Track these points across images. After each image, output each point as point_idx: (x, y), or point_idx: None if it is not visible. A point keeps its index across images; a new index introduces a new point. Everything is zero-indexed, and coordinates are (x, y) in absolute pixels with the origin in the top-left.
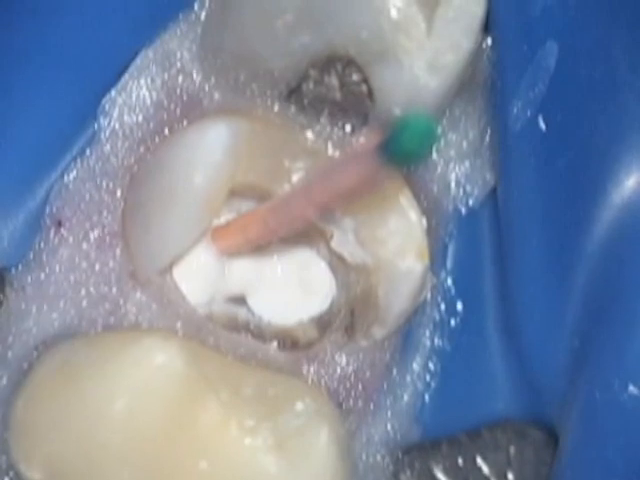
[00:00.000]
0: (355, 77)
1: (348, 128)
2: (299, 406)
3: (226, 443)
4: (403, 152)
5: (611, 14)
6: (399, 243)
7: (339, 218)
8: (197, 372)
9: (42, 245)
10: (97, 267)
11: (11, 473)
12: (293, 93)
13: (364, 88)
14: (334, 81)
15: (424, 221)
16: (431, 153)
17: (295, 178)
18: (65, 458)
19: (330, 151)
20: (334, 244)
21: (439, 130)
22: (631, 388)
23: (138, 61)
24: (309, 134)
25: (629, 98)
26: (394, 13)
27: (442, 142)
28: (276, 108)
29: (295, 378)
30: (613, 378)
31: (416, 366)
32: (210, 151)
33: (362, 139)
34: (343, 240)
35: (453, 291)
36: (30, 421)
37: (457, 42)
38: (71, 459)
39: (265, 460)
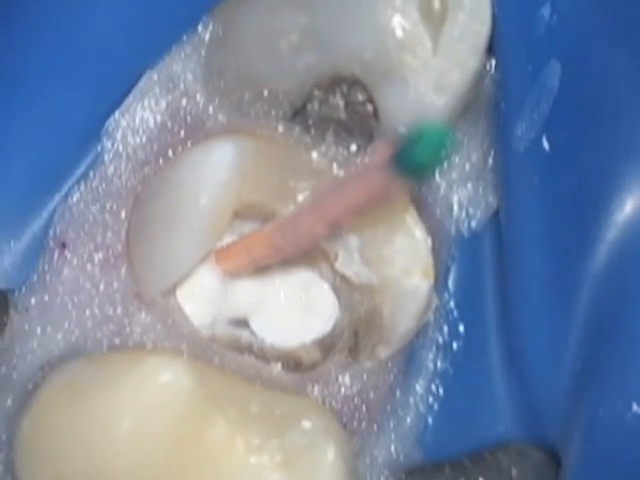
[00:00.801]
0: (360, 97)
1: (353, 148)
2: (306, 424)
3: (233, 461)
4: (417, 163)
5: (613, 34)
6: (405, 262)
7: (344, 237)
8: (203, 390)
9: (46, 267)
10: (101, 288)
11: None
12: (298, 113)
13: (369, 108)
14: (339, 101)
15: (429, 240)
16: (444, 164)
17: (300, 198)
18: (71, 478)
19: (335, 171)
20: (339, 265)
21: (452, 139)
22: (635, 407)
23: (142, 83)
24: (314, 154)
25: (631, 118)
26: (399, 32)
27: (445, 164)
28: (281, 129)
29: (301, 397)
30: (616, 398)
31: (419, 388)
32: (216, 171)
33: (373, 152)
34: (348, 259)
35: (455, 313)
36: (36, 441)
37: (463, 61)
38: (77, 479)
39: (272, 478)
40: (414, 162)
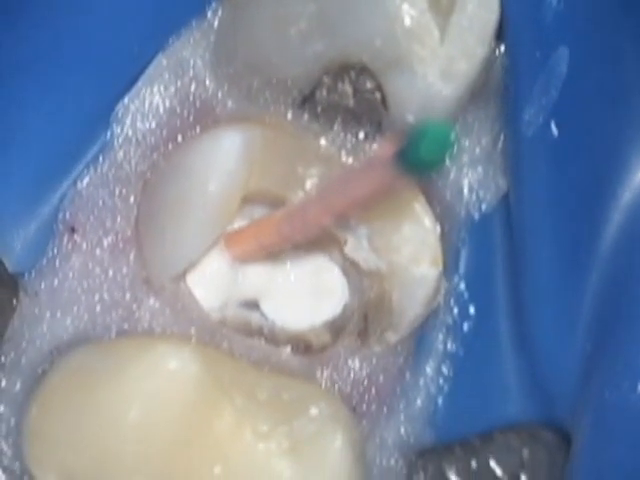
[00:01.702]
0: (369, 84)
1: (361, 135)
2: (313, 411)
3: (241, 448)
4: (421, 161)
5: (620, 20)
6: (413, 250)
7: (353, 225)
8: (211, 377)
9: (55, 251)
10: (110, 273)
11: (25, 478)
12: (306, 101)
13: (377, 95)
14: (347, 88)
15: (438, 228)
16: (447, 161)
17: (309, 185)
18: (79, 464)
19: (344, 158)
20: (348, 250)
21: (455, 137)
22: None
23: (151, 68)
24: (322, 141)
25: (638, 102)
26: (408, 21)
27: (455, 148)
28: (289, 116)
29: (309, 383)
30: (622, 379)
31: (429, 370)
32: (225, 158)
33: (378, 147)
34: (357, 246)
35: (466, 296)
36: (44, 427)
37: (471, 49)
38: (85, 465)
39: (280, 464)
40: (418, 159)
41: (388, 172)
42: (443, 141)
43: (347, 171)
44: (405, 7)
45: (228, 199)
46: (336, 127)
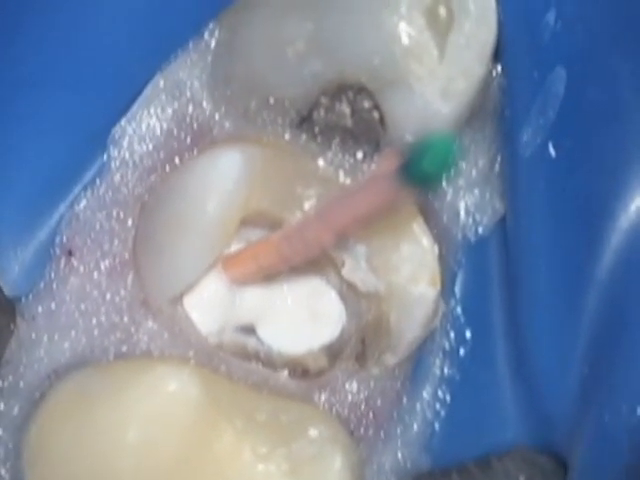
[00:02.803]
0: (366, 104)
1: (360, 155)
2: (313, 432)
3: (240, 469)
4: (424, 173)
5: (616, 40)
6: (412, 269)
7: (351, 245)
8: (210, 399)
9: (52, 275)
10: (108, 296)
11: None
12: (304, 121)
13: (375, 115)
14: (345, 108)
15: (436, 248)
16: (451, 173)
17: (307, 205)
18: None
19: (342, 178)
20: (345, 272)
21: (458, 149)
22: (639, 411)
23: (148, 90)
24: (321, 162)
25: (635, 122)
26: (406, 40)
27: (452, 174)
28: (287, 136)
29: (308, 405)
30: (621, 402)
31: (426, 395)
32: (224, 178)
33: (380, 161)
34: (355, 267)
35: (462, 319)
36: (44, 449)
37: (469, 68)
38: None
39: None
40: (421, 172)
41: (391, 186)
42: (446, 153)
43: (348, 188)
44: (403, 26)
45: (227, 220)
46: (334, 147)
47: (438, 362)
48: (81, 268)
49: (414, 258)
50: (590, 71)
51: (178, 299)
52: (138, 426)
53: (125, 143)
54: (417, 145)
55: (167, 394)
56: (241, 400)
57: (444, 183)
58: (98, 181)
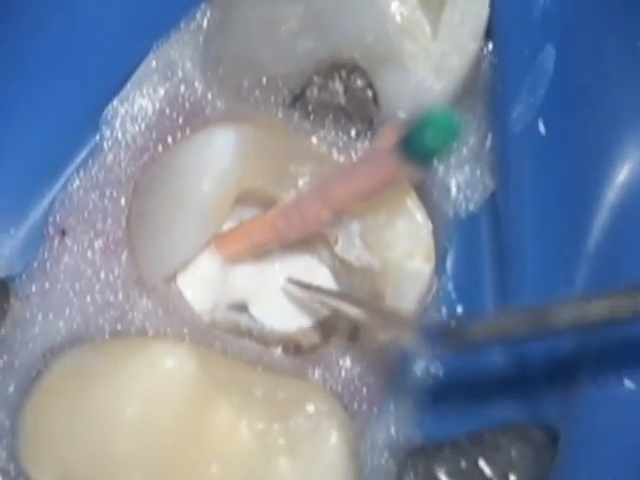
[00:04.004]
0: (359, 82)
1: (353, 133)
2: (309, 408)
3: (237, 445)
4: (426, 149)
5: (605, 19)
6: (407, 245)
7: (346, 222)
8: (207, 375)
9: (46, 254)
10: (102, 275)
11: (21, 478)
12: (297, 100)
13: (369, 93)
14: (338, 87)
15: (430, 224)
16: (453, 148)
17: (301, 183)
18: (75, 464)
19: (335, 156)
20: (339, 249)
21: (460, 124)
22: (627, 383)
23: (140, 70)
24: (314, 140)
25: (623, 101)
26: (399, 17)
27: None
28: (280, 115)
29: (304, 381)
30: (609, 374)
31: (418, 370)
32: (217, 158)
33: (380, 137)
34: (349, 244)
35: (453, 295)
36: (39, 428)
37: (462, 45)
38: (81, 465)
39: (276, 462)
40: (423, 147)
41: (391, 162)
42: (449, 128)
43: (348, 164)
44: (396, 4)
45: (221, 199)
46: (327, 125)
47: None
48: (75, 247)
49: (409, 234)
50: (580, 49)
51: (172, 277)
52: (135, 404)
53: (117, 123)
54: (418, 119)
55: (164, 371)
56: (237, 377)
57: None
58: (91, 161)
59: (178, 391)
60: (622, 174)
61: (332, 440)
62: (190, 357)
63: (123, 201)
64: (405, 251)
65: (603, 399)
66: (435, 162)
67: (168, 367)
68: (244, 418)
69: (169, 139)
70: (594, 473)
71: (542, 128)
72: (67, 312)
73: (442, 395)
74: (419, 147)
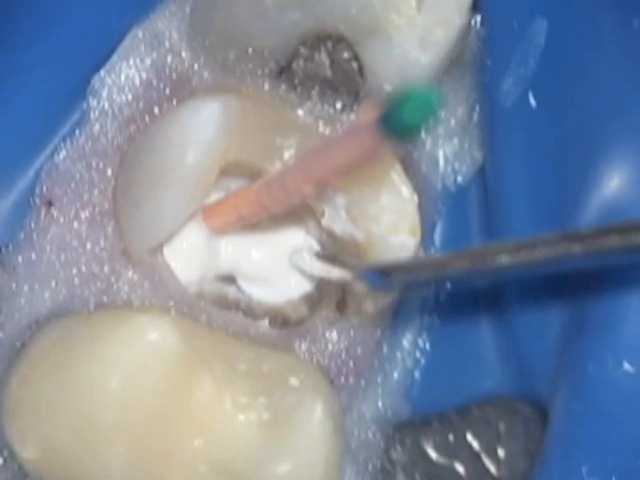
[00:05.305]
0: (345, 54)
1: (339, 105)
2: (293, 382)
3: (220, 419)
4: (404, 124)
5: None
6: (392, 219)
7: (331, 195)
8: (191, 348)
9: (32, 225)
10: (88, 246)
11: (5, 452)
12: (283, 71)
13: (354, 65)
14: (324, 59)
15: (416, 197)
16: (432, 124)
17: (286, 155)
18: (59, 436)
19: (321, 129)
20: (325, 221)
21: (439, 100)
22: (626, 366)
23: (127, 41)
24: (300, 112)
25: (616, 76)
26: None
27: (432, 124)
28: (266, 87)
29: (289, 354)
30: (607, 355)
31: (406, 343)
32: (203, 129)
33: (360, 112)
34: (334, 217)
35: None
36: (24, 400)
37: (448, 18)
38: (65, 437)
39: (259, 436)
40: (402, 123)
41: (371, 137)
42: (427, 104)
43: (329, 138)
44: None
45: (206, 170)
46: (313, 97)
47: (418, 311)
48: (61, 218)
49: (394, 208)
50: (572, 22)
51: (158, 249)
52: (118, 374)
53: (104, 94)
54: (397, 96)
55: (147, 343)
56: (222, 349)
57: (423, 133)
58: (77, 132)
59: (161, 364)
60: (613, 147)
61: (316, 414)
62: (174, 330)
63: (110, 172)
64: (390, 225)
65: (598, 379)
66: (414, 138)
67: (151, 339)
68: (228, 391)
69: (156, 110)
70: (584, 451)
71: (532, 101)
72: (53, 284)
73: (430, 369)
74: (398, 123)
